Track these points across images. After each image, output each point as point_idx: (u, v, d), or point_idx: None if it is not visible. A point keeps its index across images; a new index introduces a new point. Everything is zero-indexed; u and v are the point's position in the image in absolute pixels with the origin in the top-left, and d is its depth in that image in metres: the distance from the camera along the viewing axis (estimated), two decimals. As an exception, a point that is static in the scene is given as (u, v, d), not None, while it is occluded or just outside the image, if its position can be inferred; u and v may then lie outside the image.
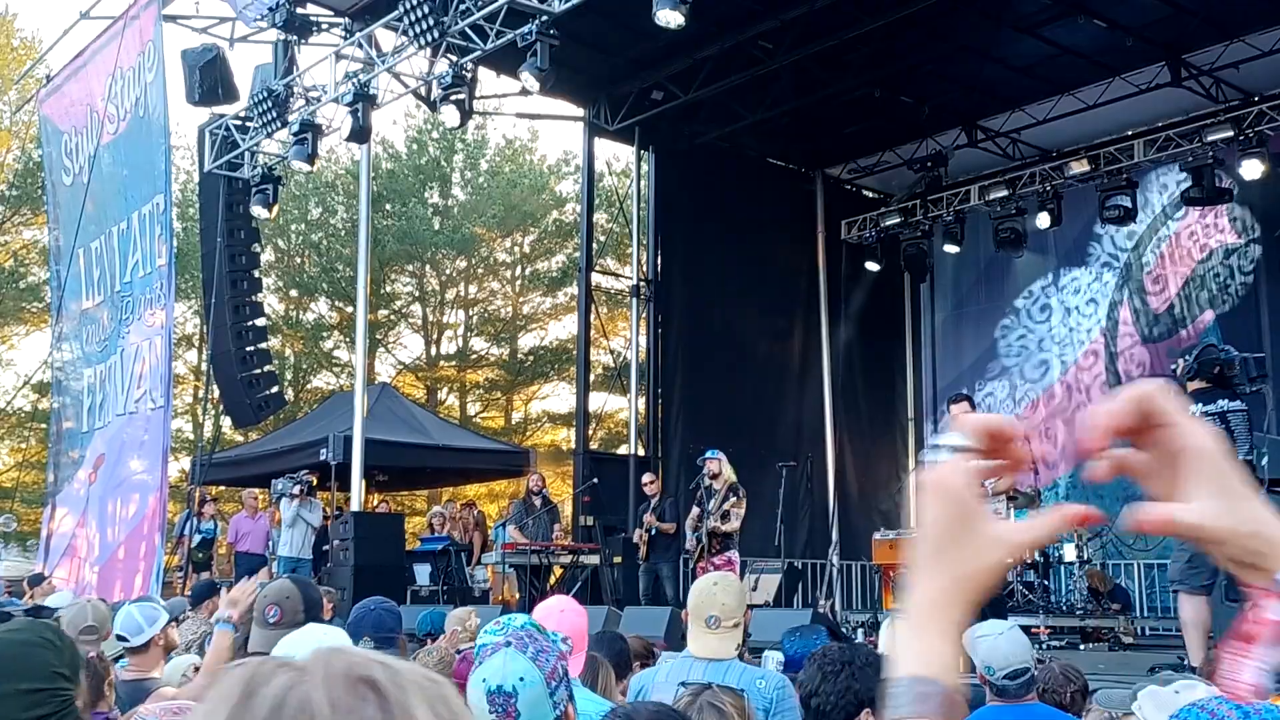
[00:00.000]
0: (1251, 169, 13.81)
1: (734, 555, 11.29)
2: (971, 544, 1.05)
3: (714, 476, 11.40)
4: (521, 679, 2.62)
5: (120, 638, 4.64)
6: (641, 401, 16.33)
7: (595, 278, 17.16)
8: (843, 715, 3.16)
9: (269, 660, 0.88)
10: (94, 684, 3.90)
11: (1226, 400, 7.38)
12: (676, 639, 8.14)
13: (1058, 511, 1.08)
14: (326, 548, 14.02)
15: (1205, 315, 15.26)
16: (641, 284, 16.43)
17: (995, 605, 8.98)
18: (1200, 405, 7.34)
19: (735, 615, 4.29)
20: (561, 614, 4.16)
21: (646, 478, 13.42)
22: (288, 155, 13.13)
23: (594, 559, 13.18)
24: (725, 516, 11.22)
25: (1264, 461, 7.90)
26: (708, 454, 11.62)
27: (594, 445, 18.59)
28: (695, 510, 11.58)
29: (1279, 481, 7.29)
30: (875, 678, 3.17)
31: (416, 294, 30.88)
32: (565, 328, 29.33)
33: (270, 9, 12.54)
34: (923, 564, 1.07)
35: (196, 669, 4.87)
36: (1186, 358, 7.64)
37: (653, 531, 12.73)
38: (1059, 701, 4.34)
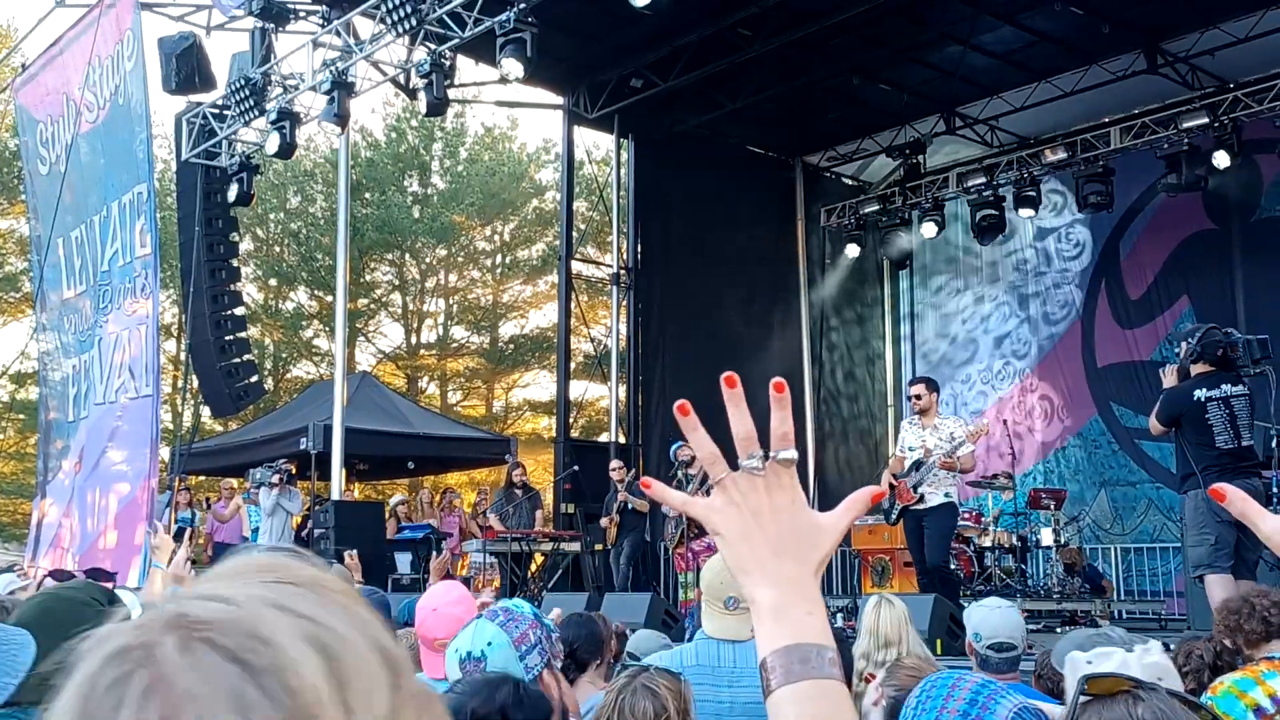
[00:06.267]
0: (1221, 159, 13.92)
1: (713, 541, 11.30)
2: (808, 538, 1.18)
3: (688, 465, 11.46)
4: (489, 643, 2.79)
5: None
6: (622, 389, 16.36)
7: (575, 266, 17.16)
8: None
9: (116, 655, 0.71)
10: None
11: (1230, 385, 7.38)
12: (657, 624, 8.18)
13: (856, 496, 1.21)
14: (304, 534, 14.01)
15: (1181, 300, 15.37)
16: (622, 272, 16.45)
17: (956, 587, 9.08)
18: (1204, 390, 7.36)
19: None
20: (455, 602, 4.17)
21: (614, 464, 13.43)
22: (265, 143, 13.08)
23: (575, 546, 13.22)
24: (708, 493, 11.26)
25: (1275, 444, 7.98)
26: (676, 445, 11.71)
27: (575, 433, 18.61)
28: (673, 498, 11.61)
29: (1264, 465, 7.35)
30: None
31: (396, 282, 30.83)
32: (546, 316, 29.35)
33: (247, -4, 12.50)
34: (764, 562, 1.19)
35: None
36: (1189, 340, 7.58)
37: (629, 506, 12.78)
38: (1049, 688, 4.33)
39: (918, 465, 9.15)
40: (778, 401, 1.20)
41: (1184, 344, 7.66)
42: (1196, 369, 7.50)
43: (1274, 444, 8.15)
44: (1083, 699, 1.62)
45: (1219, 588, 7.15)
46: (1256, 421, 7.51)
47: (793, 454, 1.18)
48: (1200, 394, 7.37)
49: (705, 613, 4.30)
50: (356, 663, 0.72)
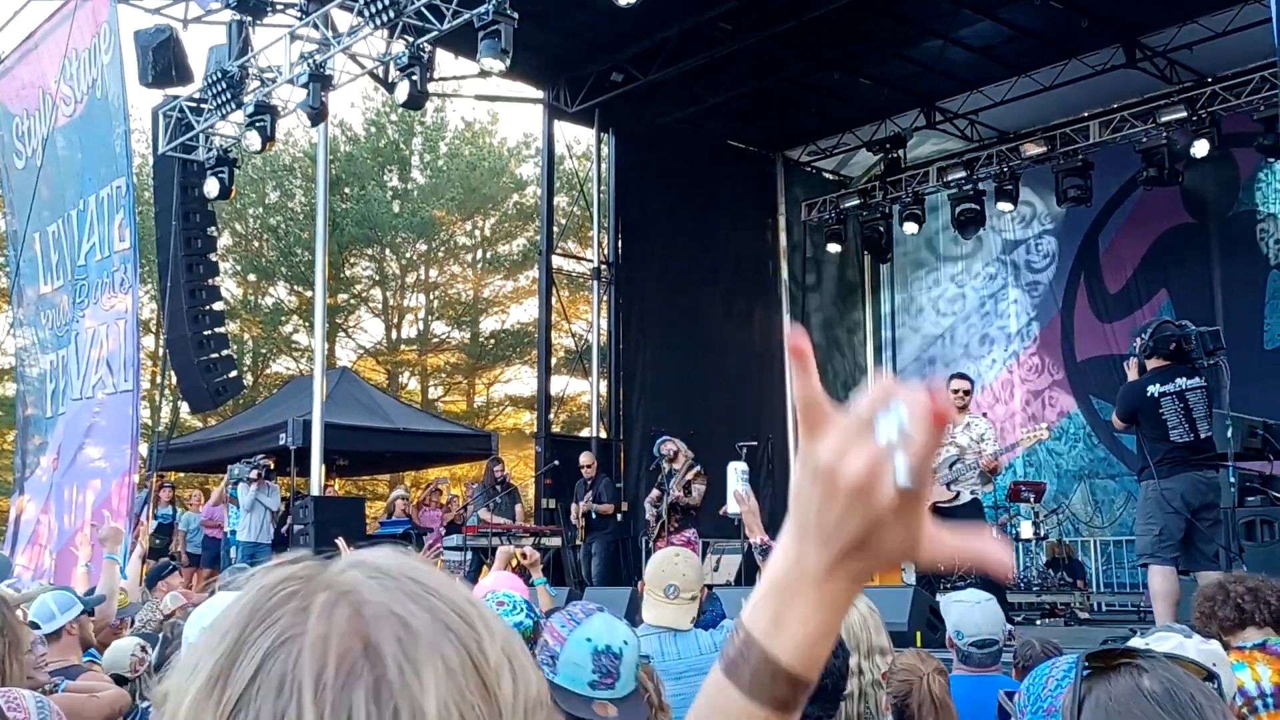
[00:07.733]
0: (1200, 148, 13.97)
1: (693, 535, 11.32)
2: (890, 546, 0.88)
3: (671, 459, 11.45)
4: (625, 643, 2.67)
5: (33, 624, 4.56)
6: (603, 384, 16.33)
7: (556, 260, 17.11)
8: None
9: (290, 577, 0.75)
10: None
11: (1185, 379, 7.47)
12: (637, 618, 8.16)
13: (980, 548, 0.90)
14: (284, 530, 13.94)
15: (1159, 294, 15.43)
16: (602, 266, 16.42)
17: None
18: (1158, 385, 7.47)
19: (693, 588, 4.31)
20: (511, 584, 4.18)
21: (584, 459, 13.44)
22: (243, 138, 13.00)
23: (556, 541, 13.21)
24: (687, 489, 11.27)
25: (1228, 435, 8.03)
26: (660, 440, 11.71)
27: (556, 428, 18.56)
28: (655, 492, 11.62)
29: (1244, 456, 7.40)
30: None
31: (376, 278, 30.73)
32: (527, 311, 29.28)
33: (224, -11, 12.41)
34: (828, 540, 0.88)
35: (144, 649, 4.84)
36: (1143, 335, 7.70)
37: (592, 515, 12.83)
38: None
39: (951, 463, 9.01)
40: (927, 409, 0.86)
41: (1138, 339, 7.78)
42: (1151, 363, 7.61)
43: (1228, 434, 8.14)
44: (1085, 674, 1.55)
45: (1158, 579, 7.35)
46: (1217, 411, 7.53)
47: (907, 484, 0.84)
48: (1154, 389, 7.49)
49: (646, 602, 4.28)
50: (520, 645, 0.78)
